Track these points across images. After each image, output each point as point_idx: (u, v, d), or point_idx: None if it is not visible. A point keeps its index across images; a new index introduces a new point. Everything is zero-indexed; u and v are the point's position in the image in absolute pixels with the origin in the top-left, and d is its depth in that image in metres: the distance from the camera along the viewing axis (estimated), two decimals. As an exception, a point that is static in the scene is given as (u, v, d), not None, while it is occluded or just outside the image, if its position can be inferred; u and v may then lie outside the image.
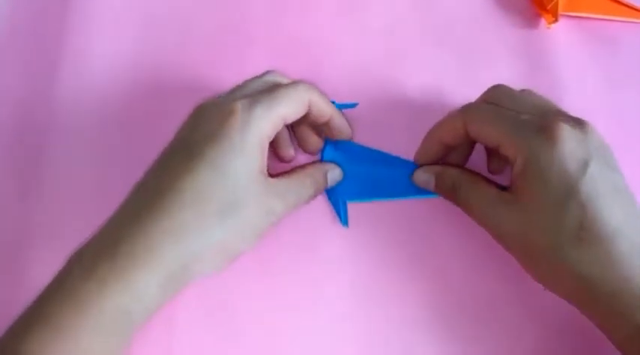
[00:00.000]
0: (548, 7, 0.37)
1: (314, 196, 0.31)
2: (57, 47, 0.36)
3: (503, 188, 0.28)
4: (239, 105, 0.27)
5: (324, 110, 0.30)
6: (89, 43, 0.36)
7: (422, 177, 0.31)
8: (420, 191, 0.32)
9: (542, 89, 0.36)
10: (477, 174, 0.30)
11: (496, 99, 0.29)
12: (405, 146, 0.34)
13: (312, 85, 0.30)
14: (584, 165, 0.25)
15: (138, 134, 0.34)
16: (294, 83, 0.29)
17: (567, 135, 0.25)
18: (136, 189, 0.27)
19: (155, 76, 0.36)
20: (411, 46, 0.37)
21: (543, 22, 0.38)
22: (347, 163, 0.33)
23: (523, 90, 0.30)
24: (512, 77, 0.36)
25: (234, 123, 0.26)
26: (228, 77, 0.35)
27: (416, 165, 0.32)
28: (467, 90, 0.36)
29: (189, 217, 0.25)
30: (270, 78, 0.30)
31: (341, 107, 0.34)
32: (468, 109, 0.29)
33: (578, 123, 0.26)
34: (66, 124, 0.34)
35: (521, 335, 0.30)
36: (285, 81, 0.30)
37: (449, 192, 0.30)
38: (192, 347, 0.30)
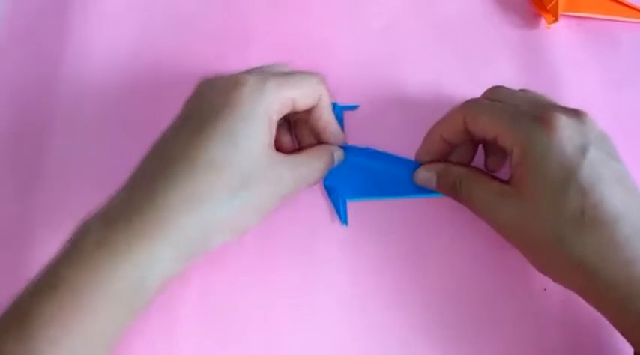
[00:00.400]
0: (548, 7, 0.37)
1: (323, 173, 0.31)
2: (57, 47, 0.36)
3: (505, 183, 0.28)
4: (248, 78, 0.27)
5: (327, 112, 0.30)
6: (89, 43, 0.36)
7: (424, 175, 0.31)
8: (420, 190, 0.32)
9: (542, 88, 0.36)
10: (480, 171, 0.30)
11: (495, 96, 0.29)
12: (405, 146, 0.34)
13: (324, 81, 0.30)
14: (583, 150, 0.25)
15: (138, 133, 0.34)
16: (309, 73, 0.29)
17: (564, 123, 0.25)
18: (148, 158, 0.27)
19: (155, 75, 0.36)
20: (411, 46, 0.37)
21: (543, 22, 0.38)
22: (347, 162, 0.33)
23: (522, 90, 0.30)
24: (512, 76, 0.36)
25: (244, 94, 0.26)
26: (228, 77, 0.36)
27: (416, 164, 0.32)
28: (467, 89, 0.36)
29: (201, 189, 0.25)
30: (279, 67, 0.30)
31: (342, 109, 0.35)
32: (467, 103, 0.29)
33: (576, 113, 0.27)
34: (66, 124, 0.34)
35: (521, 336, 0.30)
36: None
37: (451, 189, 0.30)
38: (193, 347, 0.30)
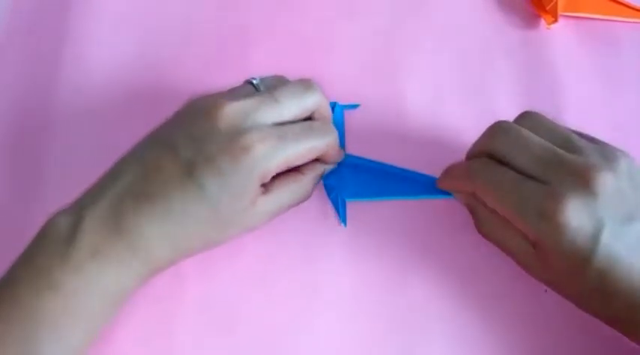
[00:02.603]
0: (548, 8, 0.37)
1: (309, 192, 0.31)
2: (57, 47, 0.36)
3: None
4: (255, 144, 0.26)
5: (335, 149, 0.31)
6: (89, 44, 0.36)
7: (455, 195, 0.31)
8: (420, 191, 0.32)
9: (542, 89, 0.36)
10: (505, 221, 0.28)
11: (495, 151, 0.28)
12: (404, 147, 0.34)
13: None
14: (595, 237, 0.24)
15: (138, 134, 0.34)
16: (324, 129, 0.29)
17: (572, 216, 0.24)
18: (128, 168, 0.27)
19: (155, 76, 0.36)
20: (410, 46, 0.37)
21: (543, 22, 0.38)
22: (347, 162, 0.33)
23: (525, 117, 0.29)
24: (512, 77, 0.36)
25: (244, 165, 0.26)
26: (229, 77, 0.36)
27: (416, 173, 0.33)
28: (467, 89, 0.36)
29: (175, 227, 0.26)
30: (274, 80, 0.30)
31: (343, 108, 0.35)
32: (472, 173, 0.28)
33: (584, 183, 0.25)
34: (66, 125, 0.34)
35: (522, 337, 0.30)
36: (299, 91, 0.29)
37: (477, 226, 0.30)
38: (192, 345, 0.29)
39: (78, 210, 0.26)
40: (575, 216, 0.24)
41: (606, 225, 0.24)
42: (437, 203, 0.33)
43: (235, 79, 0.35)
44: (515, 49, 0.37)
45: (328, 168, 0.32)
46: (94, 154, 0.34)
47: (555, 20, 0.37)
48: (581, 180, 0.25)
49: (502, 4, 0.39)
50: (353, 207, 0.33)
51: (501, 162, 0.27)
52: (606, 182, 0.25)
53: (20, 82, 0.36)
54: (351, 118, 0.35)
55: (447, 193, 0.32)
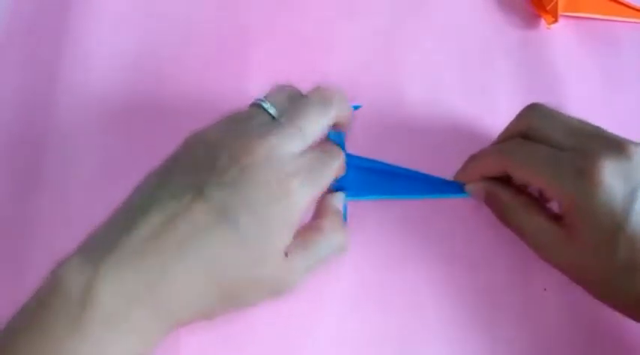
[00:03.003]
0: (548, 8, 0.37)
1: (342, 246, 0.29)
2: (57, 47, 0.36)
3: (555, 215, 0.28)
4: (292, 183, 0.25)
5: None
6: (89, 44, 0.36)
7: (471, 189, 0.31)
8: (421, 190, 0.32)
9: (542, 89, 0.36)
10: (530, 200, 0.29)
11: (531, 128, 0.28)
12: (405, 147, 0.34)
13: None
14: (631, 198, 0.25)
15: (138, 134, 0.34)
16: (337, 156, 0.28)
17: (608, 174, 0.25)
18: (144, 216, 0.24)
19: (155, 76, 0.36)
20: (410, 46, 0.37)
21: (543, 22, 0.38)
22: (347, 162, 0.33)
23: (536, 107, 0.29)
24: (512, 77, 0.36)
25: (286, 208, 0.25)
26: (229, 77, 0.36)
27: (417, 172, 0.33)
28: (467, 90, 0.36)
29: (194, 287, 0.23)
30: (289, 92, 0.28)
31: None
32: (505, 151, 0.29)
33: (620, 148, 0.26)
34: (66, 124, 0.34)
35: (520, 336, 0.30)
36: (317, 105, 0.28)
37: (498, 213, 0.30)
38: (196, 344, 0.29)
39: (91, 265, 0.22)
40: (612, 175, 0.25)
41: None
42: (437, 202, 0.33)
43: (236, 80, 0.36)
44: (515, 49, 0.37)
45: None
46: (94, 154, 0.34)
47: (555, 20, 0.37)
48: (617, 146, 0.26)
49: (502, 4, 0.39)
50: (353, 206, 0.33)
51: (535, 141, 0.28)
52: (639, 152, 0.25)
53: (20, 82, 0.35)
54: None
55: (447, 192, 0.32)
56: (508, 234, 0.29)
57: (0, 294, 0.31)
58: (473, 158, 0.31)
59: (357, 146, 0.34)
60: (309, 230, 0.28)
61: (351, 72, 0.36)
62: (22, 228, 0.32)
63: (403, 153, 0.33)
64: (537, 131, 0.28)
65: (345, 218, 0.32)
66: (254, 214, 0.24)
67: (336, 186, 0.32)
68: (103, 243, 0.23)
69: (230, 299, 0.25)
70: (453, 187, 0.32)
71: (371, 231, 0.32)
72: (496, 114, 0.35)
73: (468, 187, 0.31)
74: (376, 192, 0.33)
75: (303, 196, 0.25)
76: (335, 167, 0.28)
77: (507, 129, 0.30)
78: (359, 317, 0.30)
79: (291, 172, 0.25)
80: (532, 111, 0.29)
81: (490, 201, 0.31)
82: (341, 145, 0.33)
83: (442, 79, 0.36)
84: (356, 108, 0.35)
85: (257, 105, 0.27)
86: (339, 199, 0.31)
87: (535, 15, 0.38)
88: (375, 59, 0.36)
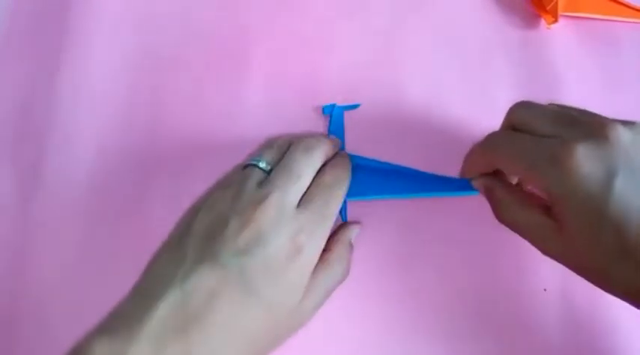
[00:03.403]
0: (548, 8, 0.37)
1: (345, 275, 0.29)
2: (57, 48, 0.36)
3: (547, 207, 0.27)
4: (305, 245, 0.26)
5: None
6: (89, 44, 0.36)
7: (474, 185, 0.31)
8: (420, 189, 0.32)
9: (542, 89, 0.36)
10: (524, 194, 0.29)
11: (517, 122, 0.28)
12: (404, 147, 0.34)
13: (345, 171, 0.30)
14: (607, 183, 0.23)
15: (138, 134, 0.34)
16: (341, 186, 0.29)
17: (581, 159, 0.24)
18: (170, 296, 0.23)
19: (155, 77, 0.36)
20: (410, 46, 0.37)
21: (543, 22, 0.38)
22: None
23: (551, 104, 0.29)
24: (512, 77, 0.36)
25: (302, 263, 0.25)
26: (229, 77, 0.36)
27: (416, 171, 0.33)
28: (467, 90, 0.36)
29: (218, 349, 0.23)
30: (312, 160, 0.29)
31: (343, 109, 0.35)
32: (489, 143, 0.29)
33: (597, 132, 0.25)
34: (66, 125, 0.34)
35: (521, 336, 0.30)
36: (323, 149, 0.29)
37: (495, 209, 0.30)
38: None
39: (117, 347, 0.22)
40: (586, 160, 0.24)
41: (620, 172, 0.23)
42: (437, 201, 0.33)
43: (236, 80, 0.36)
44: (515, 49, 0.37)
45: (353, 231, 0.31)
46: (94, 154, 0.34)
47: (555, 20, 0.37)
48: (595, 130, 0.25)
49: (502, 4, 0.38)
50: (354, 206, 0.33)
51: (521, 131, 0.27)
52: (620, 133, 0.24)
53: (20, 82, 0.36)
54: (351, 118, 0.35)
55: (447, 191, 0.32)
56: (508, 234, 0.29)
57: (0, 294, 0.31)
58: (467, 155, 0.31)
59: (357, 146, 0.34)
60: (317, 267, 0.28)
61: (351, 72, 0.36)
62: (24, 224, 0.32)
63: (403, 153, 0.33)
64: (523, 124, 0.27)
65: (344, 218, 0.32)
66: (274, 278, 0.24)
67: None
68: (126, 325, 0.23)
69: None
70: (452, 185, 0.32)
71: (371, 231, 0.32)
72: (496, 114, 0.35)
73: (473, 183, 0.31)
74: (376, 191, 0.33)
75: (314, 247, 0.26)
76: (340, 195, 0.29)
77: (500, 127, 0.30)
78: (359, 316, 0.30)
79: (299, 227, 0.26)
80: (519, 105, 0.29)
81: (488, 197, 0.30)
82: (341, 145, 0.33)
83: (442, 79, 0.36)
84: (354, 107, 0.35)
85: (249, 166, 0.28)
86: (349, 232, 0.31)
87: (535, 15, 0.38)
88: (375, 59, 0.36)
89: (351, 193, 0.32)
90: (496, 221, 0.30)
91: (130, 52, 0.36)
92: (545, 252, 0.27)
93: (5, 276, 0.31)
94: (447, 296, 0.31)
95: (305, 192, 0.27)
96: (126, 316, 0.23)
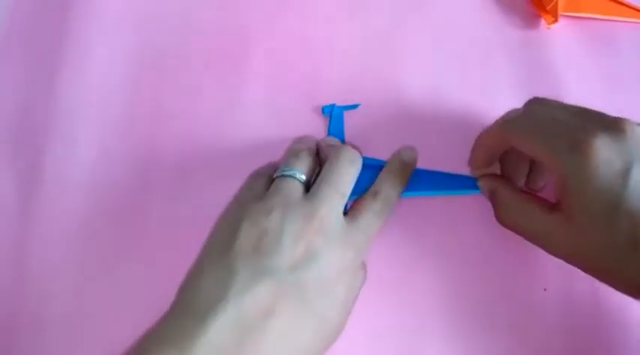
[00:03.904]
0: (548, 8, 0.37)
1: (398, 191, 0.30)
2: (57, 48, 0.36)
3: (551, 205, 0.27)
4: (354, 261, 0.26)
5: None
6: (89, 44, 0.36)
7: (480, 185, 0.31)
8: (421, 188, 0.32)
9: (542, 89, 0.36)
10: (528, 196, 0.29)
11: (537, 107, 0.28)
12: (404, 146, 0.34)
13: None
14: (625, 174, 0.24)
15: (138, 134, 0.34)
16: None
17: (600, 147, 0.24)
18: (228, 312, 0.23)
19: (155, 77, 0.36)
20: (411, 46, 0.37)
21: (543, 22, 0.38)
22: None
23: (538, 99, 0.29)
24: (512, 77, 0.36)
25: (349, 280, 0.26)
26: (229, 77, 0.36)
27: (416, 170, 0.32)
28: (467, 90, 0.36)
29: None
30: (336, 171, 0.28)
31: (343, 108, 0.35)
32: (506, 117, 0.29)
33: (617, 127, 0.25)
34: (66, 125, 0.34)
35: (520, 336, 0.30)
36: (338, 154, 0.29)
37: (497, 212, 0.30)
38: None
39: None
40: (605, 148, 0.24)
41: (636, 164, 0.24)
42: (438, 201, 0.33)
43: (235, 81, 0.36)
44: (515, 49, 0.37)
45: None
46: (94, 154, 0.34)
47: (555, 20, 0.37)
48: (613, 123, 0.25)
49: (502, 4, 0.38)
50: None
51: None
52: (636, 128, 0.25)
53: (20, 82, 0.35)
54: (350, 118, 0.35)
55: (448, 189, 0.32)
56: (508, 235, 0.29)
57: (0, 294, 0.31)
58: (482, 132, 0.30)
59: (358, 146, 0.34)
60: None
61: (351, 72, 0.36)
62: (24, 224, 0.32)
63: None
64: (543, 113, 0.27)
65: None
66: (327, 292, 0.25)
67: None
68: (183, 338, 0.22)
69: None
70: (452, 184, 0.32)
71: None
72: (496, 114, 0.35)
73: (479, 184, 0.31)
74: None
75: (360, 262, 0.27)
76: (384, 219, 0.29)
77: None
78: (359, 316, 0.30)
79: (347, 243, 0.26)
80: (534, 100, 0.29)
81: (491, 199, 0.30)
82: None
83: (442, 79, 0.36)
84: (354, 107, 0.35)
85: (284, 177, 0.28)
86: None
87: (535, 15, 0.38)
88: (375, 59, 0.36)
89: (353, 193, 0.32)
90: (493, 221, 0.30)
91: (130, 52, 0.36)
92: (551, 250, 0.27)
93: (5, 276, 0.31)
94: (446, 295, 0.31)
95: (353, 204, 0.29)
96: (180, 329, 0.23)
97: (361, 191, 0.32)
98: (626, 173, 0.24)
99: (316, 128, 0.34)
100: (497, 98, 0.36)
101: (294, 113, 0.35)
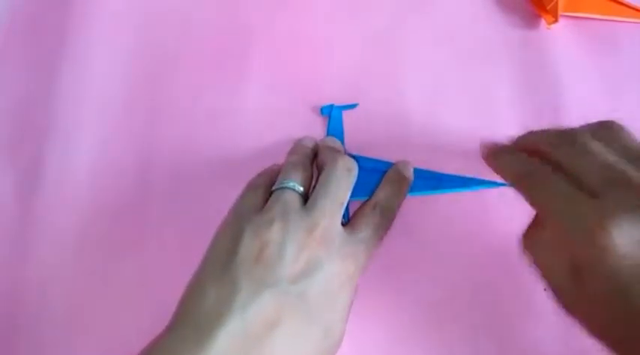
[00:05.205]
0: (548, 8, 0.37)
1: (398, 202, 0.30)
2: (57, 48, 0.36)
3: None
4: (355, 271, 0.26)
5: None
6: (89, 44, 0.36)
7: None
8: (420, 188, 0.32)
9: (542, 89, 0.36)
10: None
11: (560, 157, 0.24)
12: (404, 147, 0.34)
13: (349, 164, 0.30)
14: None
15: (138, 134, 0.34)
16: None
17: (618, 238, 0.20)
18: (234, 323, 0.23)
19: (155, 76, 0.36)
20: (410, 46, 0.37)
21: (543, 22, 0.38)
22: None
23: (603, 126, 0.25)
24: (512, 77, 0.36)
25: (351, 291, 0.26)
26: (229, 77, 0.36)
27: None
28: (467, 90, 0.36)
29: None
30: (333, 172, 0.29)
31: (341, 109, 0.35)
32: (523, 172, 0.25)
33: None
34: (66, 124, 0.34)
35: (520, 336, 0.30)
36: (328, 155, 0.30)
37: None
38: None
39: None
40: (624, 238, 0.20)
41: None
42: (437, 200, 0.33)
43: (235, 81, 0.36)
44: (515, 49, 0.37)
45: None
46: (93, 154, 0.34)
47: (556, 20, 0.37)
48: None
49: (502, 4, 0.38)
50: (355, 206, 0.33)
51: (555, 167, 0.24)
52: None
53: (20, 82, 0.36)
54: (350, 118, 0.35)
55: (447, 188, 0.32)
56: (506, 235, 0.29)
57: (0, 294, 0.31)
58: (494, 157, 0.28)
59: (357, 146, 0.34)
60: None
61: (351, 72, 0.36)
62: (24, 223, 0.32)
63: (402, 153, 0.33)
64: (560, 163, 0.24)
65: (346, 219, 0.32)
66: (331, 303, 0.25)
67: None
68: (188, 350, 0.22)
69: None
70: (452, 183, 0.32)
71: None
72: (496, 114, 0.35)
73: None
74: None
75: (360, 272, 0.27)
76: (388, 227, 0.29)
77: (533, 135, 0.27)
78: (359, 316, 0.30)
79: (348, 253, 0.26)
80: (563, 140, 0.25)
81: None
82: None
83: (442, 79, 0.36)
84: (352, 107, 0.35)
85: (283, 189, 0.28)
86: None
87: (535, 15, 0.38)
88: (375, 59, 0.36)
89: (353, 194, 0.32)
90: (493, 221, 0.30)
91: (130, 52, 0.36)
92: (557, 299, 0.24)
93: (5, 276, 0.31)
94: (446, 296, 0.31)
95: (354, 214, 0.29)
96: (186, 343, 0.22)
97: (360, 192, 0.32)
98: None
99: (315, 128, 0.34)
100: (497, 98, 0.36)
101: (294, 113, 0.35)
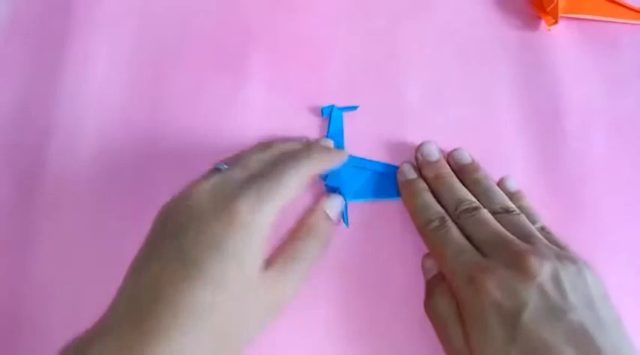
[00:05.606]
0: (548, 9, 0.37)
1: (321, 253, 0.29)
2: (57, 48, 0.36)
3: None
4: (242, 208, 0.24)
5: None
6: (89, 44, 0.36)
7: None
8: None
9: (542, 90, 0.36)
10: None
11: (462, 222, 0.29)
12: (404, 148, 0.34)
13: (317, 148, 0.30)
14: (515, 317, 0.24)
15: (138, 134, 0.34)
16: (297, 159, 0.27)
17: (495, 286, 0.25)
18: (125, 294, 0.24)
19: (155, 77, 0.36)
20: (411, 47, 0.37)
21: (543, 23, 0.38)
22: (347, 163, 0.33)
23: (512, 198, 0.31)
24: (512, 78, 0.36)
25: (237, 232, 0.24)
26: (229, 77, 0.36)
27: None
28: (467, 91, 0.36)
29: (186, 344, 0.22)
30: (268, 154, 0.29)
31: (342, 110, 0.35)
32: (428, 226, 0.30)
33: (518, 263, 0.25)
34: (66, 125, 0.34)
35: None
36: (287, 148, 0.30)
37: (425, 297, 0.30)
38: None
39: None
40: (500, 288, 0.25)
41: (529, 308, 0.24)
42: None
43: (235, 81, 0.36)
44: (515, 50, 0.37)
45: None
46: (93, 155, 0.34)
47: (556, 21, 0.37)
48: (517, 259, 0.25)
49: (502, 6, 0.39)
50: (354, 207, 0.33)
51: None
52: (542, 268, 0.25)
53: (21, 83, 0.35)
54: (350, 119, 0.35)
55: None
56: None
57: (1, 293, 0.31)
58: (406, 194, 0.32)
59: (357, 147, 0.34)
60: (287, 241, 0.28)
61: (351, 72, 0.36)
62: (24, 224, 0.32)
63: (403, 154, 0.33)
64: (463, 227, 0.29)
65: (345, 219, 0.32)
66: (213, 250, 0.23)
67: (335, 188, 0.32)
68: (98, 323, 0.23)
69: (236, 347, 0.24)
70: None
71: (371, 232, 0.32)
72: (496, 115, 0.35)
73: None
74: (376, 192, 0.33)
75: (258, 213, 0.25)
76: (293, 181, 0.27)
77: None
78: (359, 316, 0.30)
79: (237, 195, 0.25)
80: (466, 208, 0.29)
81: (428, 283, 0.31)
82: (340, 147, 0.33)
83: (442, 80, 0.36)
84: (353, 108, 0.35)
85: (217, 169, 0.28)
86: (324, 203, 0.31)
87: (535, 16, 0.38)
88: (374, 60, 0.36)
89: (352, 195, 0.32)
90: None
91: (130, 51, 0.36)
92: (447, 346, 0.27)
93: (5, 276, 0.31)
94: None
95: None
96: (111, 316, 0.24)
97: (360, 194, 0.32)
98: (517, 316, 0.24)
99: (315, 129, 0.34)
100: (497, 99, 0.36)
101: (293, 114, 0.35)
